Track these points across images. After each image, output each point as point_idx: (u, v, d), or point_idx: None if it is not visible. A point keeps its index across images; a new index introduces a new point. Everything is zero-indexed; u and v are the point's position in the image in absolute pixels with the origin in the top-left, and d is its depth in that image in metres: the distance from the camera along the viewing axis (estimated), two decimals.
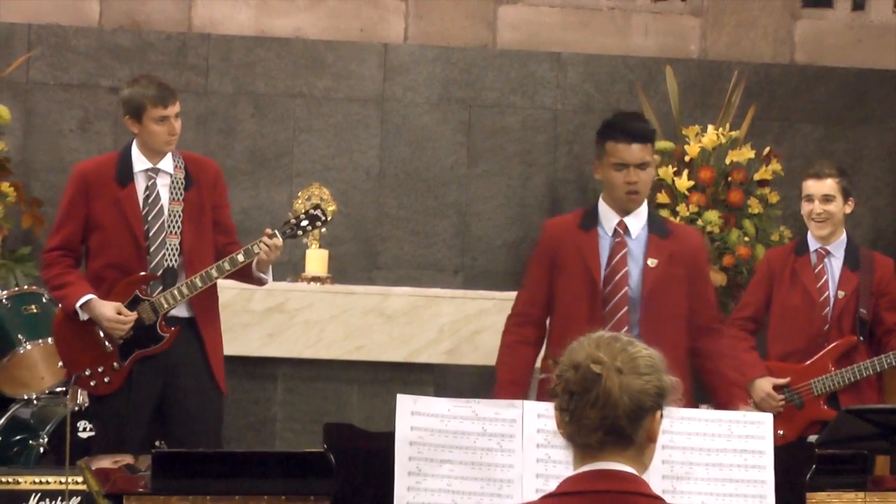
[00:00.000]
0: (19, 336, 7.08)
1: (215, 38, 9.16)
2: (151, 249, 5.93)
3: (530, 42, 9.37)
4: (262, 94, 9.09)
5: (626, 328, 5.11)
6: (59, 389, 7.18)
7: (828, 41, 9.57)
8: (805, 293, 6.46)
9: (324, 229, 6.27)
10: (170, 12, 9.18)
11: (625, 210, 5.29)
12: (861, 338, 6.40)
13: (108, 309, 5.85)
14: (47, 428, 6.89)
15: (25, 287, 7.55)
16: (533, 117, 9.28)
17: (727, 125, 8.74)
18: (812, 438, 6.13)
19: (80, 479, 5.28)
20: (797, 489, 3.57)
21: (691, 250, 5.40)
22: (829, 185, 6.46)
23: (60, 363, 6.20)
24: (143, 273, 5.91)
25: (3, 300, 7.18)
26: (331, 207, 8.13)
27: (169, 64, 9.06)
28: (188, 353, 5.99)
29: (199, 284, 5.88)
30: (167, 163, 6.01)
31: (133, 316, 5.85)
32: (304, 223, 6.10)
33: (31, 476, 6.04)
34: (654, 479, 3.45)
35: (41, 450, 6.83)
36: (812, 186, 6.48)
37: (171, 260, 5.95)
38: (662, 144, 8.69)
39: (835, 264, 6.49)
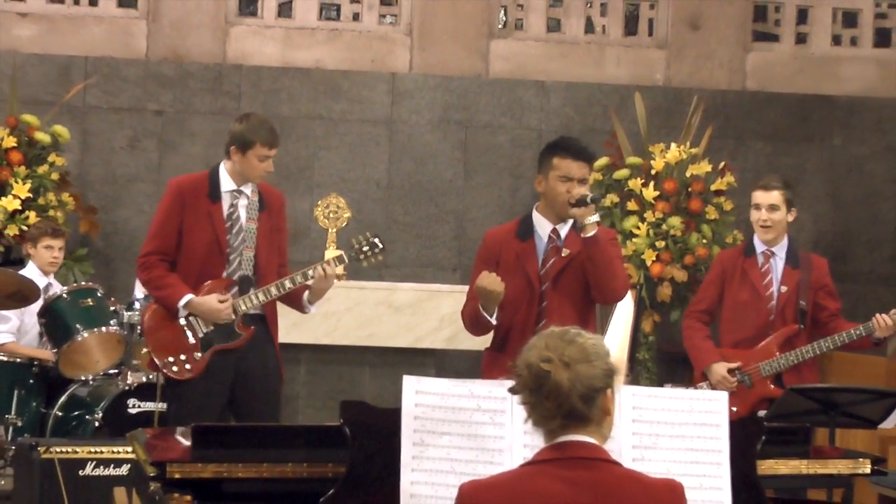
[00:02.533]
0: (77, 325, 7.07)
1: (247, 68, 9.16)
2: (231, 258, 5.93)
3: (518, 72, 9.37)
4: (286, 117, 9.09)
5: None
6: (111, 371, 7.18)
7: (775, 70, 9.57)
8: (753, 289, 6.46)
9: (381, 256, 6.20)
10: (207, 46, 9.18)
11: (560, 218, 5.31)
12: (802, 326, 6.42)
13: (212, 302, 5.83)
14: (102, 404, 6.89)
15: (83, 283, 7.54)
16: (520, 137, 9.28)
17: (688, 143, 8.73)
18: (761, 413, 6.12)
19: (129, 448, 5.27)
20: (749, 458, 3.56)
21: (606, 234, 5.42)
22: (774, 196, 6.46)
23: (145, 349, 6.14)
24: (224, 278, 5.90)
25: (64, 295, 7.17)
26: (346, 214, 8.16)
27: (206, 90, 9.06)
28: (260, 348, 5.95)
29: (275, 293, 5.86)
30: (248, 187, 6.01)
31: (230, 301, 5.86)
32: (365, 248, 6.08)
33: (87, 446, 6.03)
34: (625, 448, 3.45)
35: (96, 423, 6.83)
36: (760, 197, 6.48)
37: (247, 269, 5.94)
38: (632, 160, 8.69)
39: (778, 264, 6.50)
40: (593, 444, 2.92)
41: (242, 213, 5.95)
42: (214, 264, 5.90)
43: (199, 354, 5.88)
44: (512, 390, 3.00)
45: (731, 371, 6.44)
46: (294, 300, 6.00)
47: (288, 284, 5.86)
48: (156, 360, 5.91)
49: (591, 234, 5.16)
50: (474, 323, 5.35)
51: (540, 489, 2.86)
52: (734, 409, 6.31)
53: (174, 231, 5.92)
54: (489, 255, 5.39)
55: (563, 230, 5.32)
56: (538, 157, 5.42)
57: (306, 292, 5.94)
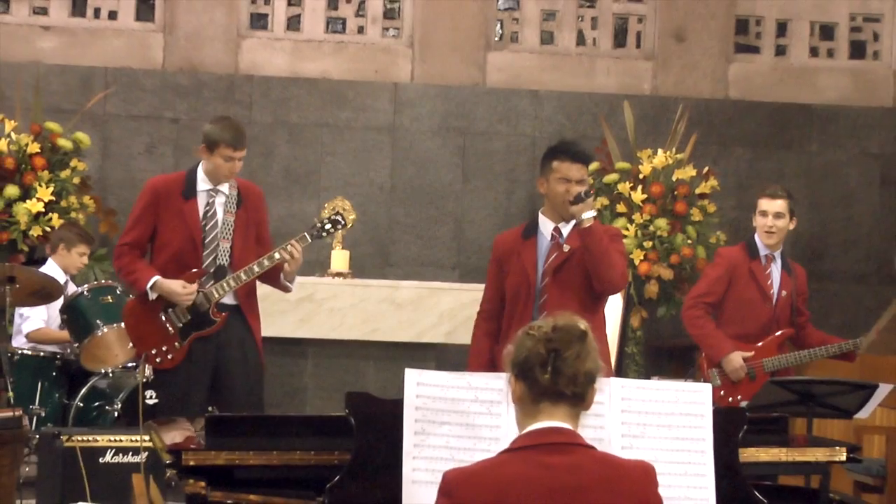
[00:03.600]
0: (97, 321, 7.08)
1: (257, 78, 9.16)
2: (206, 252, 5.96)
3: (513, 81, 9.37)
4: (295, 124, 9.09)
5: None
6: (130, 365, 7.18)
7: (756, 80, 9.56)
8: (759, 289, 6.47)
9: (343, 231, 6.26)
10: (220, 57, 9.17)
11: (563, 218, 5.33)
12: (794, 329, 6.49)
13: (175, 285, 5.89)
14: (120, 396, 6.89)
15: (103, 281, 7.54)
16: (515, 143, 9.28)
17: (674, 149, 8.73)
18: (743, 404, 6.14)
19: (147, 437, 5.27)
20: (731, 445, 3.56)
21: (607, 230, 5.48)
22: (780, 204, 6.46)
23: (130, 344, 6.21)
24: (196, 270, 5.93)
25: (85, 292, 7.18)
26: (351, 216, 8.12)
27: (219, 99, 9.06)
28: (236, 335, 6.00)
29: (244, 277, 5.91)
30: (224, 185, 6.05)
31: (194, 287, 5.89)
32: (328, 226, 6.13)
33: (107, 435, 6.03)
34: (615, 437, 3.45)
35: (116, 414, 6.84)
36: (766, 204, 6.48)
37: (223, 259, 5.98)
38: (621, 164, 8.69)
39: (776, 268, 6.52)
40: (569, 430, 2.92)
41: (219, 208, 6.02)
42: (190, 257, 5.97)
43: (178, 344, 5.93)
44: (516, 363, 2.97)
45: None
46: (273, 280, 6.06)
47: (256, 269, 5.91)
48: (140, 352, 5.98)
49: (587, 226, 5.20)
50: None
51: (520, 475, 2.85)
52: (739, 397, 6.37)
53: (147, 227, 6.02)
54: (495, 258, 5.49)
55: (566, 229, 5.34)
56: (540, 160, 5.47)
57: (281, 273, 6.00)
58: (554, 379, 2.90)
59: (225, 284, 5.91)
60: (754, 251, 6.53)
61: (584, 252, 5.24)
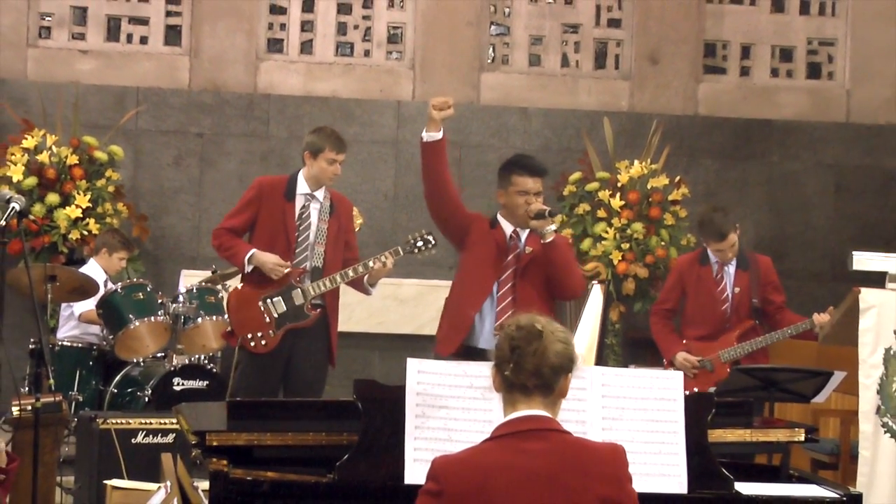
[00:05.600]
0: (130, 315, 7.06)
1: (274, 97, 9.15)
2: (297, 251, 5.93)
3: (504, 99, 9.36)
4: None
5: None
6: (159, 355, 7.17)
7: (723, 98, 9.56)
8: (710, 295, 6.44)
9: (433, 251, 6.15)
10: (241, 78, 9.17)
11: (521, 226, 5.28)
12: (757, 321, 6.44)
13: (271, 256, 5.87)
14: (151, 383, 6.88)
15: (135, 280, 7.53)
16: (507, 155, 9.08)
17: (649, 160, 8.73)
18: (711, 390, 6.12)
19: (174, 420, 5.26)
20: (701, 428, 3.55)
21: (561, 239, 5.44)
22: (731, 238, 6.41)
23: (229, 328, 6.15)
24: (299, 268, 5.91)
25: (118, 290, 7.17)
26: (359, 220, 8.14)
27: (240, 116, 9.05)
28: (314, 332, 5.96)
29: (339, 280, 5.90)
30: (320, 193, 6.02)
31: (287, 263, 5.86)
32: (420, 244, 6.04)
33: (139, 418, 6.02)
34: (596, 419, 3.44)
35: (146, 399, 6.83)
36: (721, 245, 6.37)
37: (316, 261, 5.96)
38: (601, 174, 8.68)
39: (730, 268, 6.48)
40: (545, 417, 2.91)
41: (314, 214, 6.00)
42: (282, 253, 5.92)
43: (273, 332, 5.90)
44: (498, 348, 2.95)
45: (688, 360, 6.45)
46: (357, 285, 6.04)
47: (351, 273, 5.91)
48: (238, 335, 5.92)
49: (549, 240, 5.16)
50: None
51: (501, 461, 2.85)
52: (696, 389, 6.34)
53: (247, 218, 5.99)
54: (467, 224, 5.38)
55: (523, 235, 5.29)
56: (497, 172, 5.39)
57: (366, 277, 5.96)
58: (516, 373, 2.90)
59: (321, 284, 5.89)
60: (705, 258, 6.50)
61: (546, 264, 5.18)
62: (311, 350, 5.94)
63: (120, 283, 7.28)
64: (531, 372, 2.89)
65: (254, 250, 5.89)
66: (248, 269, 5.92)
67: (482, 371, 3.38)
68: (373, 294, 6.14)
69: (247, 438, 3.44)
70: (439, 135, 5.22)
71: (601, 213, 8.55)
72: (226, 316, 7.04)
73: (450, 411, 3.35)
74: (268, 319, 5.90)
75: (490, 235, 5.28)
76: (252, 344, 5.90)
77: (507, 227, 5.30)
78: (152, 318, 7.08)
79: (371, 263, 5.87)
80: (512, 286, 5.21)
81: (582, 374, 3.35)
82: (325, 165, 5.96)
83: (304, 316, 5.91)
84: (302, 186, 6.00)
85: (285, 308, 5.90)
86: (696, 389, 6.29)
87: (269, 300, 5.90)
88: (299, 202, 5.98)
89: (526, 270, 5.22)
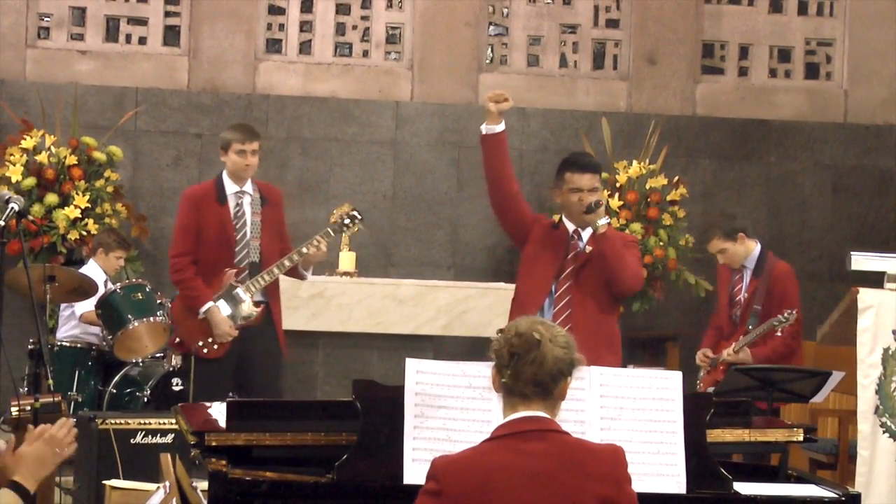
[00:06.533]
0: (129, 316, 7.05)
1: (273, 97, 9.15)
2: (237, 249, 5.97)
3: None
4: (307, 139, 9.08)
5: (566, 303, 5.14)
6: (158, 355, 7.17)
7: (720, 99, 9.56)
8: (726, 297, 6.72)
9: (356, 229, 6.24)
10: (239, 78, 9.16)
11: (580, 225, 5.24)
12: (750, 327, 6.48)
13: (224, 324, 5.93)
14: (150, 383, 6.88)
15: (134, 280, 7.52)
16: None
17: (647, 161, 8.73)
18: (710, 390, 6.13)
19: (173, 420, 5.25)
20: (700, 427, 3.55)
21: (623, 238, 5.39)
22: (714, 244, 6.63)
23: (178, 339, 6.20)
24: (235, 270, 5.94)
25: (118, 290, 7.15)
26: (357, 228, 8.12)
27: (238, 117, 9.04)
28: (262, 327, 5.99)
29: (276, 272, 5.94)
30: (248, 187, 6.07)
31: (236, 332, 5.92)
32: (347, 221, 6.13)
33: (137, 418, 6.01)
34: (594, 419, 3.44)
35: (145, 399, 6.83)
36: (720, 257, 6.66)
37: (254, 256, 6.00)
38: None
39: (747, 275, 6.59)
40: (544, 418, 2.91)
41: (247, 209, 6.04)
42: (226, 255, 6.00)
43: None
44: (495, 352, 2.95)
45: (707, 356, 6.62)
46: (293, 272, 6.10)
47: (287, 263, 5.96)
48: (190, 344, 5.96)
49: (601, 232, 5.11)
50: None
51: (501, 461, 2.84)
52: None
53: (194, 233, 6.03)
54: (528, 223, 5.29)
55: (584, 234, 5.22)
56: (555, 172, 5.33)
57: (300, 262, 6.03)
58: (515, 380, 2.90)
59: (260, 279, 5.92)
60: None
61: (598, 256, 5.13)
62: (262, 350, 5.99)
63: (119, 284, 7.27)
64: (529, 380, 2.90)
65: (210, 305, 5.93)
66: (201, 316, 5.98)
67: (481, 371, 3.38)
68: (308, 279, 6.21)
69: (246, 438, 3.43)
70: (498, 127, 5.18)
71: None
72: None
73: (449, 411, 3.35)
74: None
75: (551, 236, 5.24)
76: (205, 350, 5.98)
77: (570, 227, 5.25)
78: (151, 319, 7.07)
79: (305, 249, 5.93)
80: (570, 286, 5.15)
81: (580, 375, 3.35)
82: (235, 157, 6.00)
83: (249, 315, 5.94)
84: (230, 186, 6.06)
85: (229, 310, 5.94)
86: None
87: (212, 304, 5.93)
88: (232, 202, 6.04)
89: (585, 270, 5.17)
